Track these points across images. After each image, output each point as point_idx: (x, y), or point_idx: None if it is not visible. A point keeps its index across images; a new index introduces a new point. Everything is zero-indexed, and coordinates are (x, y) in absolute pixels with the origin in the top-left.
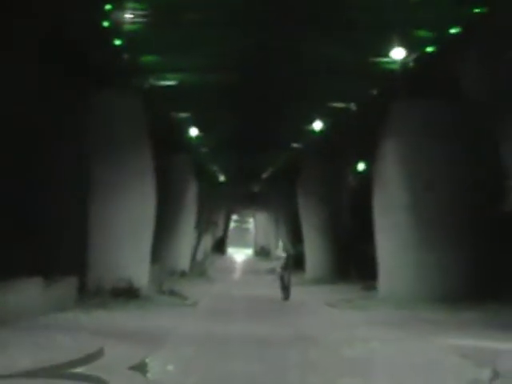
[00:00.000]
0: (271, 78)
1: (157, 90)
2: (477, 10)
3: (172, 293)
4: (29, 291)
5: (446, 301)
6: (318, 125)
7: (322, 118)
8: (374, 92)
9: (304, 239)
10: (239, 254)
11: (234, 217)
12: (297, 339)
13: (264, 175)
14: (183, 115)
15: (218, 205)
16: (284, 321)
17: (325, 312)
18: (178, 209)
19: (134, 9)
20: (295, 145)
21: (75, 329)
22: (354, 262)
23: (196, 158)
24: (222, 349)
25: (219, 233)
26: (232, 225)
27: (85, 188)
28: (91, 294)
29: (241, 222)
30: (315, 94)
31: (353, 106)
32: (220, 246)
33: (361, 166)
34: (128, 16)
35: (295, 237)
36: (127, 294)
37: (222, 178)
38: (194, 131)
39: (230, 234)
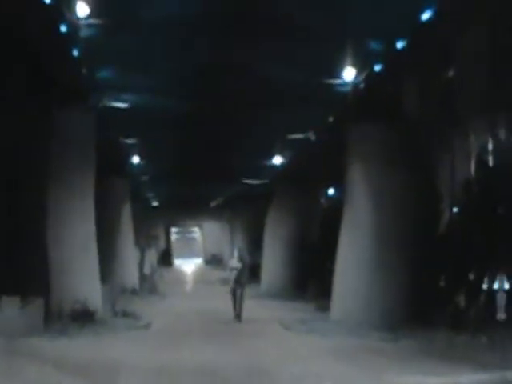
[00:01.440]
0: (225, 111)
1: (107, 110)
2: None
3: (125, 314)
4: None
5: (390, 326)
6: (278, 159)
7: (284, 149)
8: (330, 118)
9: (264, 249)
10: (188, 265)
11: (177, 228)
12: (250, 373)
13: (216, 200)
14: (131, 140)
15: (156, 221)
16: (238, 345)
17: (279, 335)
18: (117, 228)
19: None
20: (250, 181)
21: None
22: (313, 279)
23: (137, 182)
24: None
25: (162, 246)
26: (175, 236)
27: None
28: (55, 318)
29: (185, 232)
30: (272, 123)
31: (311, 135)
32: (166, 259)
33: (331, 191)
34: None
35: (253, 245)
36: (83, 317)
37: (156, 203)
38: (136, 158)
39: (176, 245)
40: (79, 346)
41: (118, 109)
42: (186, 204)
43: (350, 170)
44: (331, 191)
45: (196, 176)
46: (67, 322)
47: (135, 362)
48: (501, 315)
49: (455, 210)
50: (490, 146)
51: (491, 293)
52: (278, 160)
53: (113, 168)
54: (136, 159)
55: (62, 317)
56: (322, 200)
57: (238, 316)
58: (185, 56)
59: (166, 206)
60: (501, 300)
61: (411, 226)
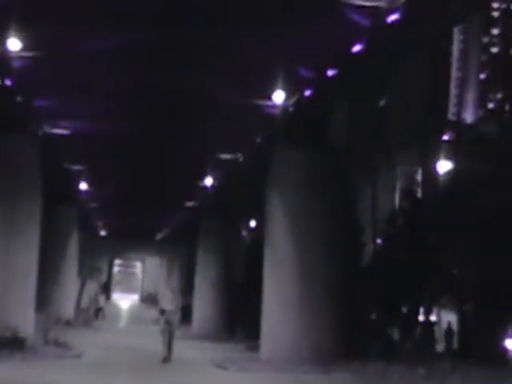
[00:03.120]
0: (164, 134)
1: (53, 138)
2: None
3: (57, 343)
4: None
5: (322, 360)
6: (209, 181)
7: (214, 171)
8: (258, 140)
9: (195, 290)
10: (125, 301)
11: (120, 261)
12: None
13: (159, 234)
14: (78, 167)
15: (102, 251)
16: (169, 380)
17: (209, 373)
18: (61, 257)
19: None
20: (190, 203)
21: None
22: (242, 319)
23: (86, 210)
24: None
25: (104, 278)
26: (118, 269)
27: None
28: None
29: (127, 266)
30: (207, 146)
31: (240, 157)
32: (105, 293)
33: (253, 223)
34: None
35: (188, 287)
36: (12, 344)
37: (104, 232)
38: (84, 185)
39: (117, 278)
40: (4, 371)
41: (63, 136)
42: (131, 235)
43: (270, 200)
44: (254, 223)
45: (141, 203)
46: None
47: None
48: (440, 347)
49: (379, 241)
50: (418, 177)
51: (428, 325)
52: (208, 182)
53: (60, 195)
54: (84, 186)
55: None
56: (245, 233)
57: (167, 358)
58: (120, 82)
59: (112, 236)
60: (439, 332)
61: (334, 260)
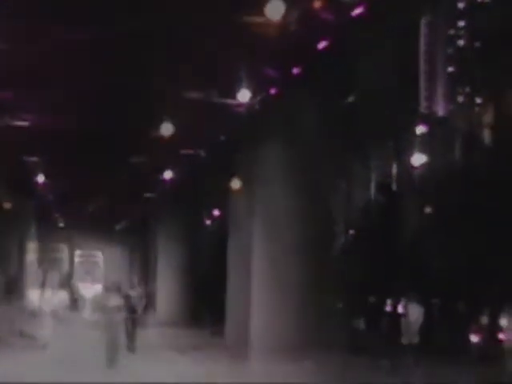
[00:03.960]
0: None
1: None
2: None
3: (23, 335)
4: None
5: (284, 349)
6: (168, 174)
7: (175, 165)
8: (222, 138)
9: (158, 278)
10: (89, 290)
11: (81, 251)
12: None
13: (119, 224)
14: (33, 159)
15: (62, 242)
16: (133, 369)
17: (173, 360)
18: (21, 250)
19: None
20: (149, 194)
21: None
22: (207, 305)
23: (44, 201)
24: None
25: (66, 268)
26: (79, 259)
27: None
28: None
29: (88, 256)
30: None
31: (202, 153)
32: (67, 283)
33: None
34: None
35: (151, 275)
36: None
37: (63, 223)
38: (41, 177)
39: (79, 268)
40: None
41: (20, 128)
42: (92, 226)
43: (236, 190)
44: (216, 212)
45: (102, 194)
46: None
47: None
48: (405, 340)
49: (351, 232)
50: (393, 171)
51: (395, 317)
52: (167, 176)
53: (17, 187)
54: (42, 178)
55: None
56: (208, 222)
57: (131, 347)
58: (75, 74)
59: (72, 227)
60: (405, 325)
61: (304, 246)
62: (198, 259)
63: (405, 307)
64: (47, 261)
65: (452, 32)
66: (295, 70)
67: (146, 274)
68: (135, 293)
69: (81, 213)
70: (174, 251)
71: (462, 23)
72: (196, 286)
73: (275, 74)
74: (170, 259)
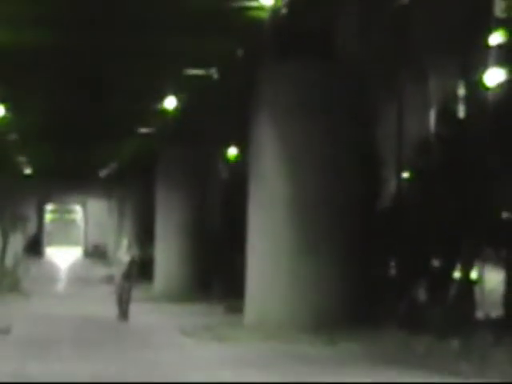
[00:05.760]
0: (107, 38)
1: None
2: None
3: None
4: None
5: (321, 327)
6: (171, 101)
7: (177, 91)
8: (239, 52)
9: (157, 240)
10: (63, 256)
11: (54, 206)
12: None
13: (104, 171)
14: None
15: (27, 195)
16: (123, 359)
17: (178, 345)
18: None
19: None
20: (145, 129)
21: None
22: (219, 273)
23: (2, 142)
24: None
25: (32, 229)
26: (51, 216)
27: None
28: None
29: (63, 212)
30: (165, 59)
31: (214, 73)
32: (35, 247)
33: (233, 152)
34: None
35: (146, 236)
36: None
37: (30, 170)
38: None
39: (50, 228)
40: None
41: None
42: (67, 173)
43: (257, 123)
44: (233, 152)
45: (80, 131)
46: None
47: None
48: (481, 314)
49: (405, 176)
50: (459, 93)
51: (467, 285)
52: (170, 104)
53: None
54: (1, 110)
55: None
56: (222, 164)
57: (123, 314)
58: None
59: (41, 174)
60: (481, 295)
61: (342, 199)
62: (208, 216)
63: (480, 272)
64: (8, 219)
65: None
66: None
67: (140, 234)
68: (127, 258)
69: (54, 156)
70: (176, 205)
71: None
72: (205, 250)
73: None
74: (172, 216)
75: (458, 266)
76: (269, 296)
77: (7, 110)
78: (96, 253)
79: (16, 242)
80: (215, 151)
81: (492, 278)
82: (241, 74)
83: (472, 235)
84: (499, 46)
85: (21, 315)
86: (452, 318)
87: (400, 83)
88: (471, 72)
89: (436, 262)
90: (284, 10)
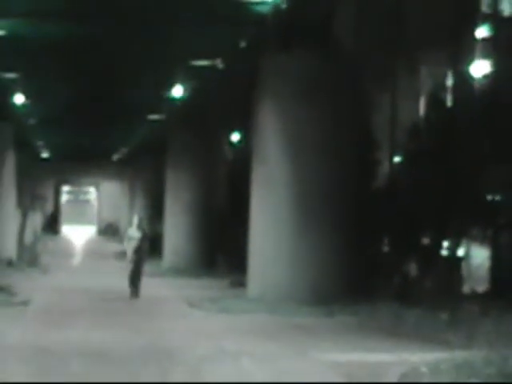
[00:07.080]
0: (122, 33)
1: None
2: None
3: None
4: None
5: (320, 301)
6: (178, 90)
7: (185, 79)
8: (243, 43)
9: (166, 218)
10: (79, 234)
11: (70, 187)
12: (151, 354)
13: (116, 154)
14: (9, 76)
15: (45, 176)
16: (135, 327)
17: (185, 316)
18: None
19: None
20: (154, 116)
21: None
22: (224, 250)
23: (23, 127)
24: (58, 370)
25: (49, 208)
26: (67, 197)
27: None
28: None
29: (78, 193)
30: (174, 50)
31: (219, 63)
32: (52, 225)
33: (237, 136)
34: None
35: (156, 213)
36: None
37: (48, 153)
38: (20, 97)
39: (66, 208)
40: None
41: None
42: (82, 156)
43: (260, 109)
44: (237, 137)
45: (94, 118)
46: None
47: (13, 342)
48: (468, 288)
49: (397, 159)
50: (448, 82)
51: (454, 261)
52: (177, 92)
53: None
54: (20, 98)
55: None
56: (227, 148)
57: (135, 292)
58: None
59: (58, 158)
60: (467, 270)
61: (339, 179)
62: (214, 196)
63: (466, 249)
64: (28, 199)
65: None
66: None
67: (151, 212)
68: (138, 234)
69: (69, 140)
70: (184, 185)
71: None
72: (210, 227)
73: None
74: (180, 195)
75: (447, 244)
76: (270, 271)
77: (26, 97)
78: (109, 230)
79: (35, 221)
80: (220, 135)
81: (479, 255)
82: (245, 64)
83: (459, 215)
84: (484, 40)
85: (39, 288)
86: (441, 291)
87: (393, 72)
88: (459, 63)
89: (426, 240)
90: (285, 3)
